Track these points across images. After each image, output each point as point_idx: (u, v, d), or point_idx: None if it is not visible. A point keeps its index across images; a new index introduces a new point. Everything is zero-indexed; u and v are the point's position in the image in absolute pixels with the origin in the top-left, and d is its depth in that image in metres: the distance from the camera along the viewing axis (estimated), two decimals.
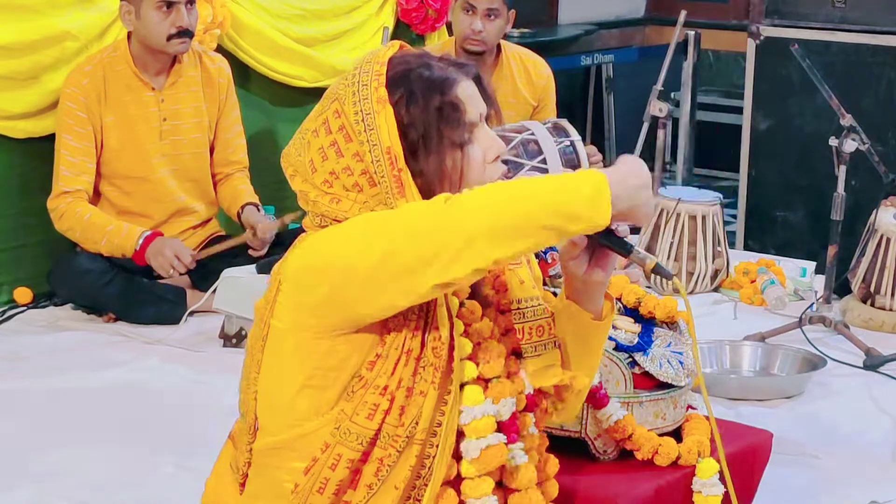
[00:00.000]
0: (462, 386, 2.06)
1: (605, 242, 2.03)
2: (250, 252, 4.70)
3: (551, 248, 3.15)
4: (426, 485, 2.03)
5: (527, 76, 5.36)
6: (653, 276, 2.20)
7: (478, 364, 2.08)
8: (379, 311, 1.97)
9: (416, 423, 2.00)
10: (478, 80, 2.11)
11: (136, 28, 4.62)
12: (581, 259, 2.05)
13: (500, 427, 2.08)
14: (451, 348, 2.03)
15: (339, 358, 2.00)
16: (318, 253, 2.00)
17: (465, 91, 2.06)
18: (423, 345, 2.02)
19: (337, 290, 1.97)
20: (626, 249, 2.01)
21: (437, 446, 2.02)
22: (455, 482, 2.07)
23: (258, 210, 4.84)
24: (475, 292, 2.15)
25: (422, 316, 2.02)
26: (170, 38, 4.60)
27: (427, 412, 2.00)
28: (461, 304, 2.10)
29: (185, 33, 4.62)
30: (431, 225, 1.91)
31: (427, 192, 2.02)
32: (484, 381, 2.09)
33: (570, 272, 2.08)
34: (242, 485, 2.15)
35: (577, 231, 1.92)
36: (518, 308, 2.17)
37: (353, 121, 2.02)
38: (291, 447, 2.05)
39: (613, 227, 2.00)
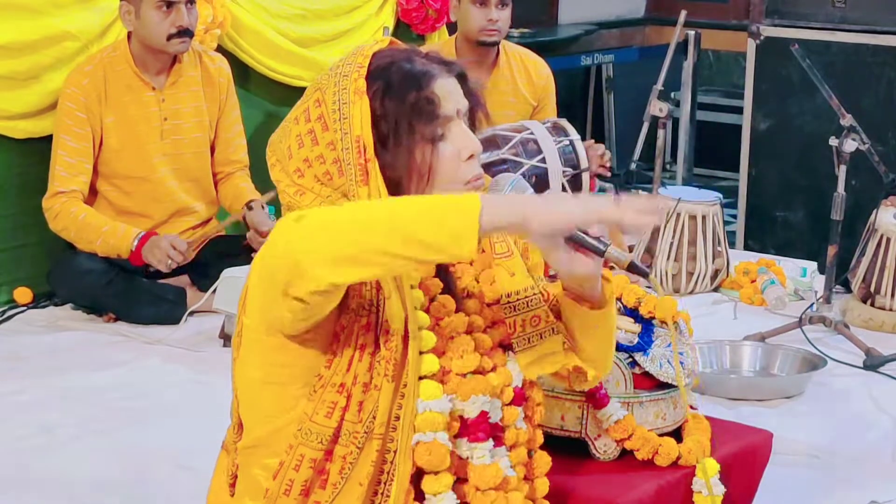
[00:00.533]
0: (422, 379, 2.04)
1: (578, 242, 1.97)
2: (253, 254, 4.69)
3: None
4: (392, 480, 2.01)
5: (527, 76, 5.36)
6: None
7: (445, 358, 2.05)
8: (277, 319, 1.95)
9: (374, 418, 1.99)
10: (462, 78, 2.08)
11: (136, 28, 4.62)
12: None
13: (468, 425, 2.06)
14: (407, 341, 2.01)
15: (292, 355, 2.00)
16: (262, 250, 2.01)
17: (444, 87, 2.04)
18: (376, 339, 2.00)
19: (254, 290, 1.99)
20: (598, 250, 1.97)
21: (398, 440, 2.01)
22: (419, 477, 2.05)
23: (262, 208, 4.84)
24: (449, 286, 2.12)
25: (372, 311, 2.00)
26: (170, 37, 4.60)
27: (383, 405, 1.99)
28: (432, 299, 2.08)
29: (185, 33, 4.62)
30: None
31: (396, 186, 2.01)
32: (460, 377, 2.06)
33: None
34: (232, 486, 2.15)
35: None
36: (508, 302, 2.14)
37: (331, 110, 2.02)
38: (266, 444, 2.05)
39: (586, 228, 1.96)
